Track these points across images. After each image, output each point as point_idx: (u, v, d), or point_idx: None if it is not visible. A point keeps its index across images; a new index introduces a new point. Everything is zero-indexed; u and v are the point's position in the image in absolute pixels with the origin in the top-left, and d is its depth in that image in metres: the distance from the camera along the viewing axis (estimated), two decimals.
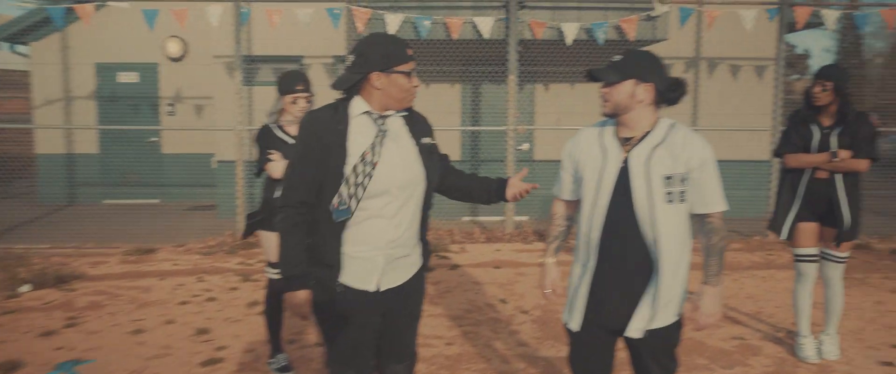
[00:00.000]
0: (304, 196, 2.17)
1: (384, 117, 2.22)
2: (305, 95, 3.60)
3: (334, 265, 2.18)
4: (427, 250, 2.42)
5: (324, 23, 7.89)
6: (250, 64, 8.84)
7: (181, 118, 10.61)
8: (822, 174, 3.81)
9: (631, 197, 2.22)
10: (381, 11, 7.31)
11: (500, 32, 7.45)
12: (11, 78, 13.48)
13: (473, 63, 8.83)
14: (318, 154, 2.14)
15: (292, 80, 3.66)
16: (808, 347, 3.97)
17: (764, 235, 7.53)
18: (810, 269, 3.91)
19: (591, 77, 2.31)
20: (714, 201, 2.26)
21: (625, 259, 2.27)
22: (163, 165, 10.69)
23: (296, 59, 8.88)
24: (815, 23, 7.99)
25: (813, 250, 3.90)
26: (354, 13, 7.24)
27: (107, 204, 10.43)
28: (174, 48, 10.40)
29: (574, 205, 2.53)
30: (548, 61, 8.69)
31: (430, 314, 4.81)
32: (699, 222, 2.31)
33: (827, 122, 3.79)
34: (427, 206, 2.34)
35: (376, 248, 2.19)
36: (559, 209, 2.59)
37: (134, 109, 10.64)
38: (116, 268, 6.41)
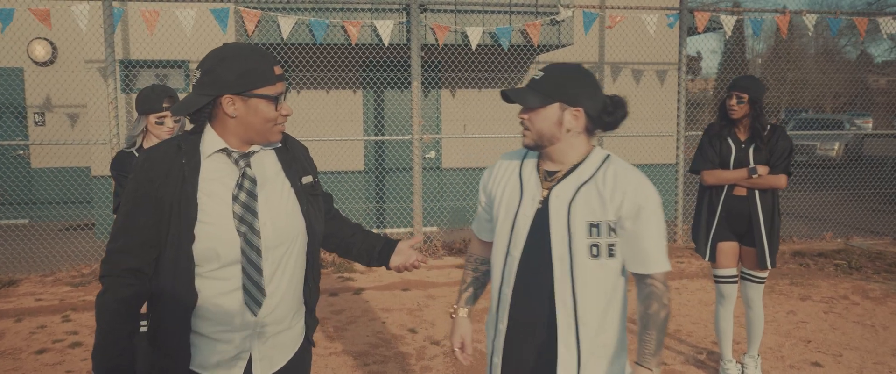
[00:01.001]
0: (136, 263, 1.65)
1: (248, 156, 1.73)
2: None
3: (181, 352, 1.68)
4: (313, 319, 1.94)
5: (210, 25, 7.23)
6: (129, 69, 8.03)
7: (52, 129, 9.54)
8: (741, 191, 3.67)
9: (549, 247, 1.82)
10: (273, 13, 6.75)
11: (402, 37, 7.06)
12: None
13: (375, 68, 8.40)
14: (155, 210, 1.64)
15: (156, 96, 3.12)
16: (731, 371, 3.84)
17: (672, 240, 7.54)
18: (731, 290, 3.77)
19: (507, 99, 1.88)
20: (653, 260, 1.80)
21: (536, 326, 1.84)
22: (32, 182, 9.59)
23: (181, 63, 8.14)
24: (712, 27, 8.10)
25: (733, 271, 3.76)
26: (243, 14, 6.64)
27: None
28: (41, 51, 9.34)
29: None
30: (453, 66, 8.39)
31: (331, 352, 4.36)
32: (636, 281, 1.88)
33: (743, 135, 3.65)
34: (312, 264, 1.87)
35: (242, 326, 1.71)
36: (475, 250, 2.19)
37: (14, 123, 9.48)
38: None
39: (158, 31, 7.43)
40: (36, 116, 9.55)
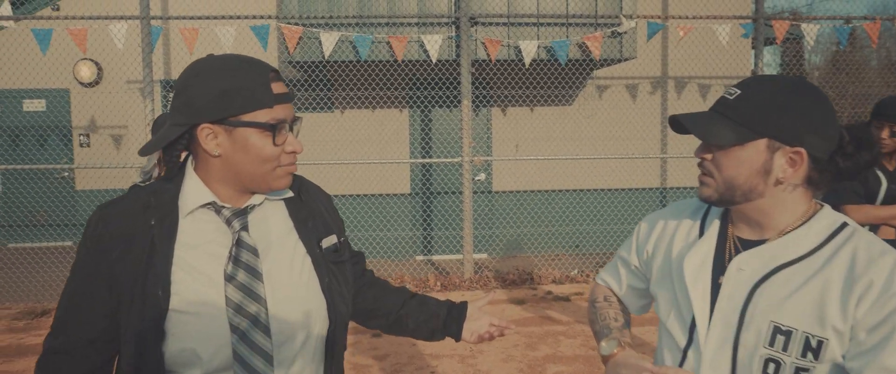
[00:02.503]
0: (79, 370, 1.21)
1: (244, 213, 1.25)
2: None
3: None
4: None
5: (251, 42, 6.93)
6: (171, 89, 7.80)
7: (97, 151, 9.43)
8: (888, 233, 3.01)
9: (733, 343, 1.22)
10: (315, 29, 6.39)
11: (451, 52, 6.61)
12: None
13: (422, 86, 7.96)
14: (110, 294, 1.17)
15: None
16: None
17: None
18: None
19: (678, 127, 1.26)
20: None
21: None
22: (76, 204, 9.47)
23: None
24: (792, 37, 7.41)
25: None
26: (284, 31, 6.29)
27: (12, 247, 9.18)
28: (86, 72, 9.23)
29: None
30: (504, 83, 7.90)
31: None
32: None
33: (891, 165, 3.03)
34: (334, 358, 1.35)
35: None
36: (604, 296, 1.57)
37: (41, 141, 9.43)
38: None
39: (198, 50, 7.16)
40: (81, 137, 9.44)
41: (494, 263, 7.41)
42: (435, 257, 8.13)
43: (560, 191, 8.15)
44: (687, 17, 6.84)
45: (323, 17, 6.43)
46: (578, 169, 8.00)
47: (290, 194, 1.36)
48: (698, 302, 1.26)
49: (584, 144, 8.06)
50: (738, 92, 1.22)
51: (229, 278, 1.18)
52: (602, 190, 8.04)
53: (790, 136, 1.16)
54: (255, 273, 1.20)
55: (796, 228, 1.21)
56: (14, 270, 7.51)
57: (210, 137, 1.18)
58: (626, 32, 6.76)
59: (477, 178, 8.10)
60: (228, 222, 1.23)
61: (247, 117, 1.17)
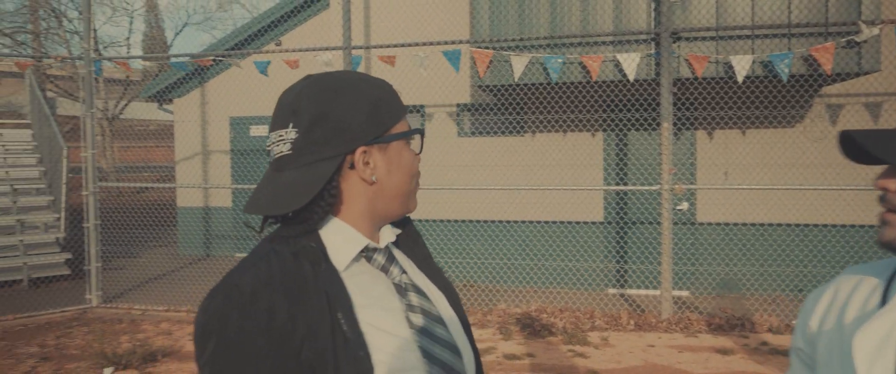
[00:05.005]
0: None
1: (389, 252, 1.07)
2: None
3: None
4: None
5: (443, 67, 7.02)
6: None
7: None
8: None
9: None
10: (506, 52, 6.27)
11: (650, 71, 6.10)
12: (163, 129, 14.20)
13: (618, 108, 7.49)
14: None
15: None
16: None
17: None
18: None
19: (851, 149, 0.96)
20: None
21: None
22: None
23: (418, 108, 8.09)
24: None
25: None
26: (474, 55, 6.26)
27: (238, 257, 10.29)
28: None
29: None
30: (711, 103, 7.14)
31: None
32: None
33: None
34: None
35: None
36: None
37: (264, 162, 10.48)
38: None
39: (393, 76, 7.43)
40: None
41: (699, 302, 6.66)
42: (629, 292, 7.54)
43: (779, 225, 7.14)
44: None
45: (514, 40, 6.30)
46: (802, 200, 6.95)
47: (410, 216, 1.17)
48: None
49: (810, 172, 6.99)
50: None
51: (419, 331, 0.99)
52: (832, 226, 6.90)
53: None
54: (436, 319, 1.03)
55: None
56: None
57: (366, 162, 1.01)
58: (866, 41, 5.74)
59: (678, 207, 7.39)
60: (385, 270, 1.04)
61: (395, 129, 1.03)
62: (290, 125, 0.98)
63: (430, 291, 1.08)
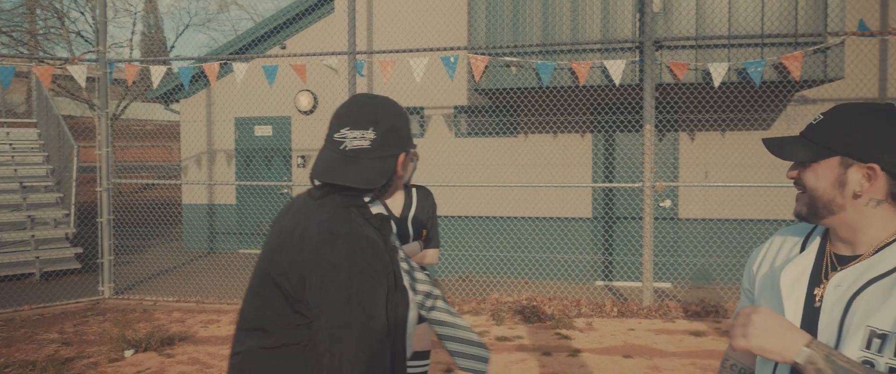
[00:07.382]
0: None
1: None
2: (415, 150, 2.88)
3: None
4: None
5: (442, 72, 7.47)
6: None
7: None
8: None
9: None
10: (501, 58, 6.73)
11: (635, 77, 6.57)
12: (167, 129, 14.53)
13: (605, 111, 7.96)
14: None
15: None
16: None
17: None
18: None
19: (771, 150, 1.42)
20: None
21: None
22: None
23: (416, 110, 8.53)
24: None
25: None
26: (471, 61, 6.72)
27: (242, 253, 10.66)
28: (305, 102, 10.52)
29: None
30: (692, 107, 7.63)
31: None
32: None
33: None
34: None
35: None
36: (732, 351, 1.61)
37: (267, 162, 10.87)
38: (225, 329, 6.22)
39: (394, 80, 7.87)
40: (299, 159, 10.75)
41: (679, 293, 7.13)
42: (615, 283, 8.01)
43: (754, 221, 7.63)
44: None
45: (508, 47, 6.75)
46: (776, 197, 7.44)
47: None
48: (790, 312, 1.34)
49: (783, 171, 7.49)
50: (821, 117, 1.34)
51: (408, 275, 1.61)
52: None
53: (862, 152, 1.27)
54: (410, 271, 1.63)
55: (889, 243, 1.28)
56: (243, 272, 8.74)
57: (402, 163, 1.56)
58: (830, 49, 6.23)
59: (662, 204, 7.87)
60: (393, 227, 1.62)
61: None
62: (371, 129, 1.45)
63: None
